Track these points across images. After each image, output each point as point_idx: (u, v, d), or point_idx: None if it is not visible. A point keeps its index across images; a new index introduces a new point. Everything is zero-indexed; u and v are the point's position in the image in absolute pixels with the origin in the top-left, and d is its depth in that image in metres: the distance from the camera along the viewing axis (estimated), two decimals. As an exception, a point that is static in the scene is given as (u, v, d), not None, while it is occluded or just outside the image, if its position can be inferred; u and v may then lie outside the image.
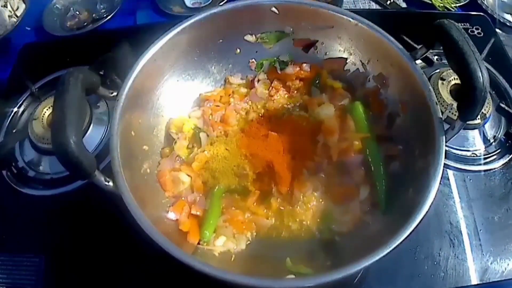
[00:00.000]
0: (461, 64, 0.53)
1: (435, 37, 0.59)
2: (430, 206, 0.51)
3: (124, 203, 0.52)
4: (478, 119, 0.79)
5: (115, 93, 0.60)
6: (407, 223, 0.49)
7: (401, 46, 0.64)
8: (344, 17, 0.68)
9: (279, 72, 0.78)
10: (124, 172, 0.54)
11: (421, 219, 0.50)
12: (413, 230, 0.49)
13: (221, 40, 0.74)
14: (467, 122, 0.56)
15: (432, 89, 0.60)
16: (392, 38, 0.65)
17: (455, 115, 0.77)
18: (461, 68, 0.53)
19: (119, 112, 0.58)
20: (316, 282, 0.47)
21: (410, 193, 0.58)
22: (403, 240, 0.49)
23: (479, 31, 0.96)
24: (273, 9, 0.71)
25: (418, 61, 0.86)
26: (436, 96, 0.81)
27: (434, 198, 0.51)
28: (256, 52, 0.78)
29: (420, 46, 0.63)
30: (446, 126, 0.57)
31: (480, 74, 0.51)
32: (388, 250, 0.48)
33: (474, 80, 0.51)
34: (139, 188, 0.57)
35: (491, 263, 0.68)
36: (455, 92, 0.80)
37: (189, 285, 0.65)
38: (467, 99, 0.53)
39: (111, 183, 0.52)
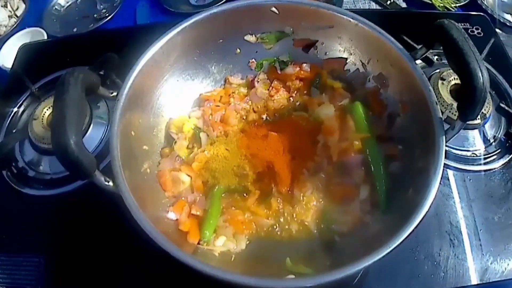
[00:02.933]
0: (461, 64, 0.53)
1: (435, 37, 0.59)
2: (430, 206, 0.51)
3: (124, 203, 0.52)
4: (478, 119, 0.79)
5: (115, 93, 0.60)
6: (407, 223, 0.50)
7: (401, 46, 0.64)
8: (344, 17, 0.68)
9: (279, 72, 0.78)
10: (124, 172, 0.54)
11: (421, 219, 0.50)
12: (413, 230, 0.49)
13: (221, 40, 0.74)
14: (467, 122, 0.56)
15: (432, 89, 0.60)
16: (392, 38, 0.65)
17: (455, 115, 0.77)
18: (461, 68, 0.53)
19: (119, 112, 0.58)
20: (316, 282, 0.47)
21: (410, 193, 0.57)
22: (403, 240, 0.49)
23: (479, 31, 0.96)
24: (273, 9, 0.71)
25: (418, 61, 0.86)
26: (436, 96, 0.81)
27: (434, 198, 0.51)
28: (256, 52, 0.78)
29: (420, 46, 0.63)
30: (446, 126, 0.57)
31: (480, 74, 0.51)
32: (388, 250, 0.48)
33: (474, 80, 0.51)
34: (139, 188, 0.57)
35: (491, 263, 0.68)
36: (455, 92, 0.80)
37: (189, 285, 0.65)
38: (467, 99, 0.53)
39: (111, 183, 0.52)
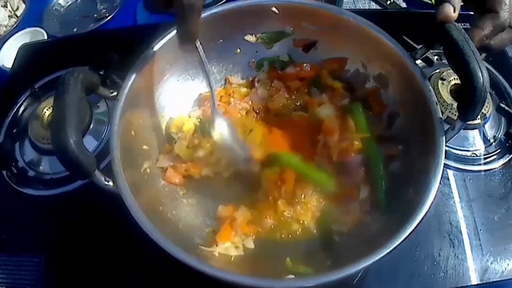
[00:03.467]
0: (461, 64, 0.52)
1: (435, 37, 0.59)
2: (430, 206, 0.51)
3: (124, 202, 0.52)
4: (478, 119, 0.79)
5: (115, 93, 0.60)
6: (406, 224, 0.50)
7: (401, 46, 0.64)
8: (344, 17, 0.68)
9: (279, 72, 0.78)
10: (124, 172, 0.54)
11: (421, 219, 0.50)
12: (413, 230, 0.49)
13: (221, 40, 0.74)
14: (467, 122, 0.56)
15: (432, 89, 0.60)
16: (392, 38, 0.65)
17: (455, 115, 0.77)
18: (461, 68, 0.53)
19: (119, 112, 0.58)
20: (316, 282, 0.47)
21: (410, 193, 0.57)
22: (403, 240, 0.49)
23: (479, 31, 0.95)
24: (273, 9, 0.71)
25: (418, 61, 0.86)
26: (436, 96, 0.81)
27: (434, 198, 0.51)
28: (256, 52, 0.78)
29: (420, 46, 0.63)
30: (446, 126, 0.57)
31: (480, 74, 0.51)
32: (387, 251, 0.48)
33: (474, 80, 0.51)
34: (139, 188, 0.57)
35: (491, 263, 0.68)
36: (455, 92, 0.80)
37: (190, 285, 0.65)
38: (467, 99, 0.53)
39: (111, 183, 0.52)
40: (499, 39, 0.59)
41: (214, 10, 0.69)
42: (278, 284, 0.48)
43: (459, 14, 0.60)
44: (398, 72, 0.66)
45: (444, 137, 0.55)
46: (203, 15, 0.68)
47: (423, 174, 0.54)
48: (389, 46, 0.65)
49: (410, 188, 0.58)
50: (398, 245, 0.49)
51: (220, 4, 0.70)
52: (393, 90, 0.69)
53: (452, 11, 0.54)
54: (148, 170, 0.65)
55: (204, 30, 0.70)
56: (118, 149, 0.55)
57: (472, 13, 0.63)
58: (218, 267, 0.52)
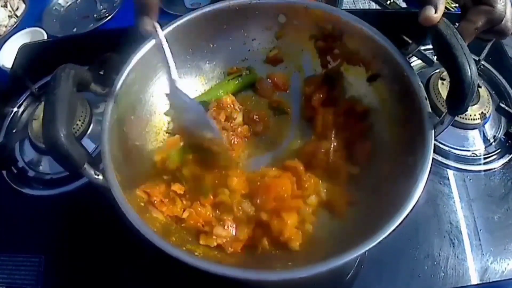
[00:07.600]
0: (449, 58, 0.52)
1: (424, 32, 0.59)
2: (417, 201, 0.49)
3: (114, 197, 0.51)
4: (478, 119, 0.79)
5: (107, 90, 0.60)
6: (392, 218, 0.48)
7: (390, 42, 0.62)
8: (336, 15, 0.66)
9: None
10: (114, 167, 0.53)
11: (404, 218, 0.49)
12: (397, 226, 0.47)
13: (213, 39, 0.74)
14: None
15: (421, 84, 0.59)
16: (381, 34, 0.63)
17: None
18: (448, 62, 0.52)
19: (110, 108, 0.58)
20: (306, 273, 0.46)
21: (398, 186, 0.56)
22: (386, 236, 0.47)
23: (479, 31, 0.95)
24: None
25: (418, 61, 0.86)
26: (436, 96, 0.82)
27: (421, 194, 0.49)
28: (249, 50, 0.77)
29: (410, 42, 0.63)
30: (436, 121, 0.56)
31: (468, 68, 0.50)
32: (374, 243, 0.46)
33: (462, 73, 0.50)
34: (130, 183, 0.57)
35: (491, 263, 0.68)
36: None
37: (190, 285, 0.65)
38: (456, 93, 0.53)
39: (100, 177, 0.52)
40: (494, 32, 0.58)
41: (207, 9, 0.68)
42: (267, 276, 0.47)
43: (459, 14, 0.60)
44: (388, 68, 0.65)
45: (433, 131, 0.54)
46: (194, 14, 0.68)
47: (411, 168, 0.54)
48: (379, 42, 0.64)
49: (398, 182, 0.56)
50: (381, 240, 0.47)
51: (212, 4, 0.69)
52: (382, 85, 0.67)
53: (433, 13, 0.54)
54: (139, 165, 0.65)
55: (196, 30, 0.70)
56: (108, 145, 0.55)
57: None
58: (204, 260, 0.51)
